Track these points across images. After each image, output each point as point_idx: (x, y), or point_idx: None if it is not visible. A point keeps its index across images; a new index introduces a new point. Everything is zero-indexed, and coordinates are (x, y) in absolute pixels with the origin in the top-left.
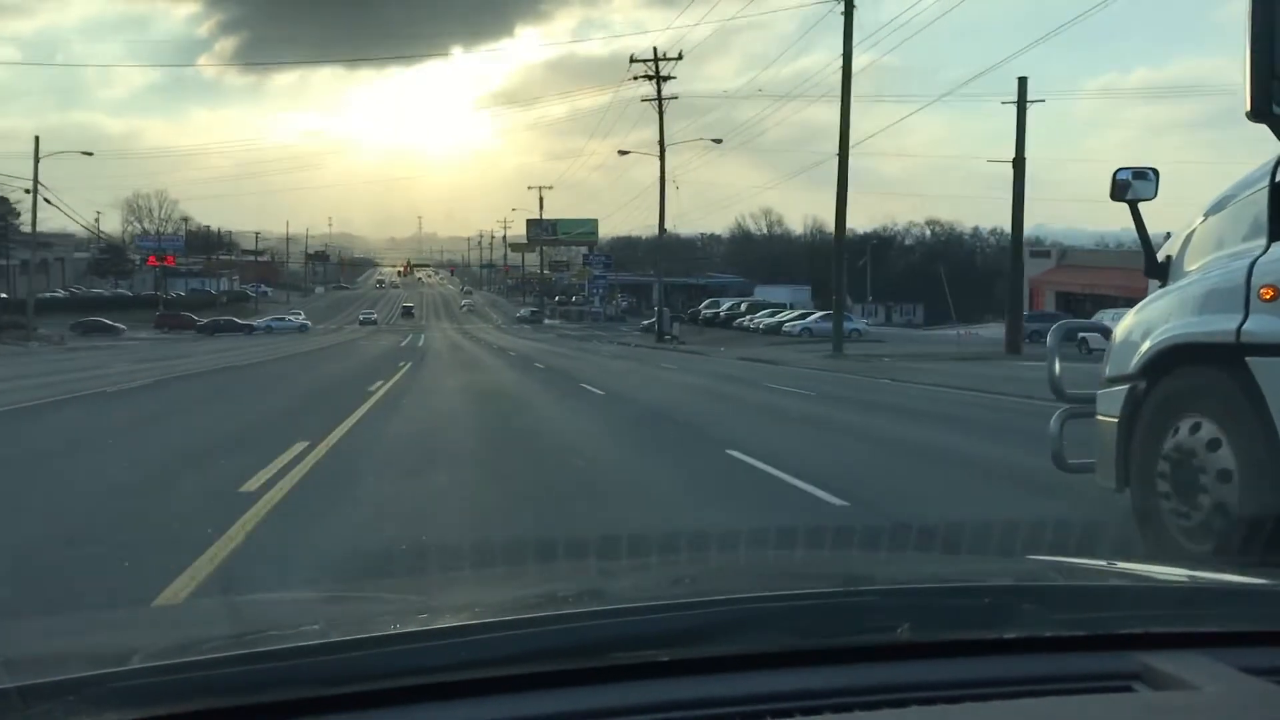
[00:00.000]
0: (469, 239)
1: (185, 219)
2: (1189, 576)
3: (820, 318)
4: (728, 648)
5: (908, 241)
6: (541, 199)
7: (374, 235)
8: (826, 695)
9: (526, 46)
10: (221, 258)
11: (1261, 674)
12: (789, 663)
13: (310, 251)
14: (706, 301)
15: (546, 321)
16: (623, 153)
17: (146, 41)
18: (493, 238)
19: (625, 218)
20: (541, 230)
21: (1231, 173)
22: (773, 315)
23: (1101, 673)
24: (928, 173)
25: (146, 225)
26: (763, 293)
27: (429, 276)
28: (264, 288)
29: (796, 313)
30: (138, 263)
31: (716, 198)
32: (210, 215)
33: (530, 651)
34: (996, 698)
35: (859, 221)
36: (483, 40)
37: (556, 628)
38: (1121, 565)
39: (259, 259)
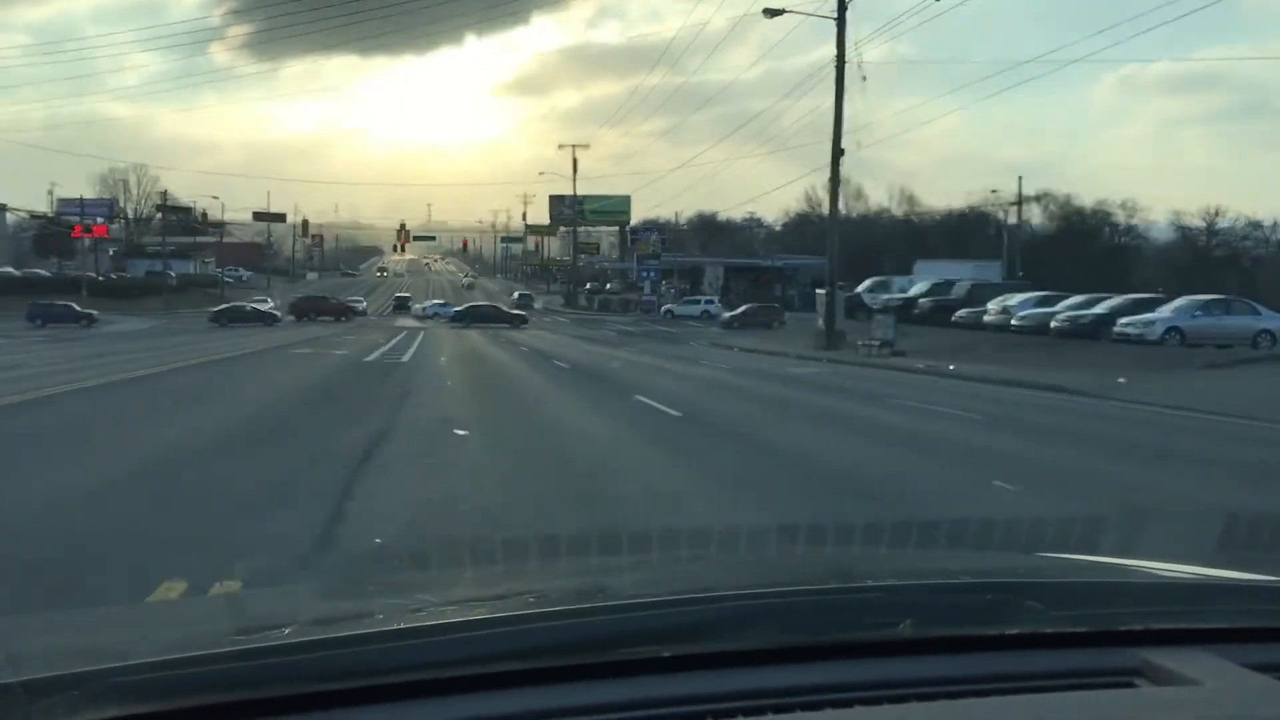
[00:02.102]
0: (481, 221)
1: (163, 193)
2: (1191, 573)
3: (1200, 310)
4: (730, 643)
5: (1011, 219)
6: (575, 160)
7: (383, 223)
8: (828, 690)
9: (541, 35)
10: (170, 236)
11: (1263, 669)
12: (791, 658)
13: (259, 211)
14: (868, 284)
15: (539, 305)
16: (771, 13)
17: (158, 28)
18: (509, 217)
19: (642, 204)
20: (566, 207)
21: None
22: (1047, 306)
23: (1103, 668)
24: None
25: (123, 203)
26: (927, 270)
27: (436, 262)
28: (242, 271)
29: (1115, 300)
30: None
31: (738, 186)
32: (215, 205)
33: (532, 647)
34: (998, 693)
35: (940, 198)
36: (497, 28)
37: (558, 623)
38: (1123, 561)
39: (220, 236)
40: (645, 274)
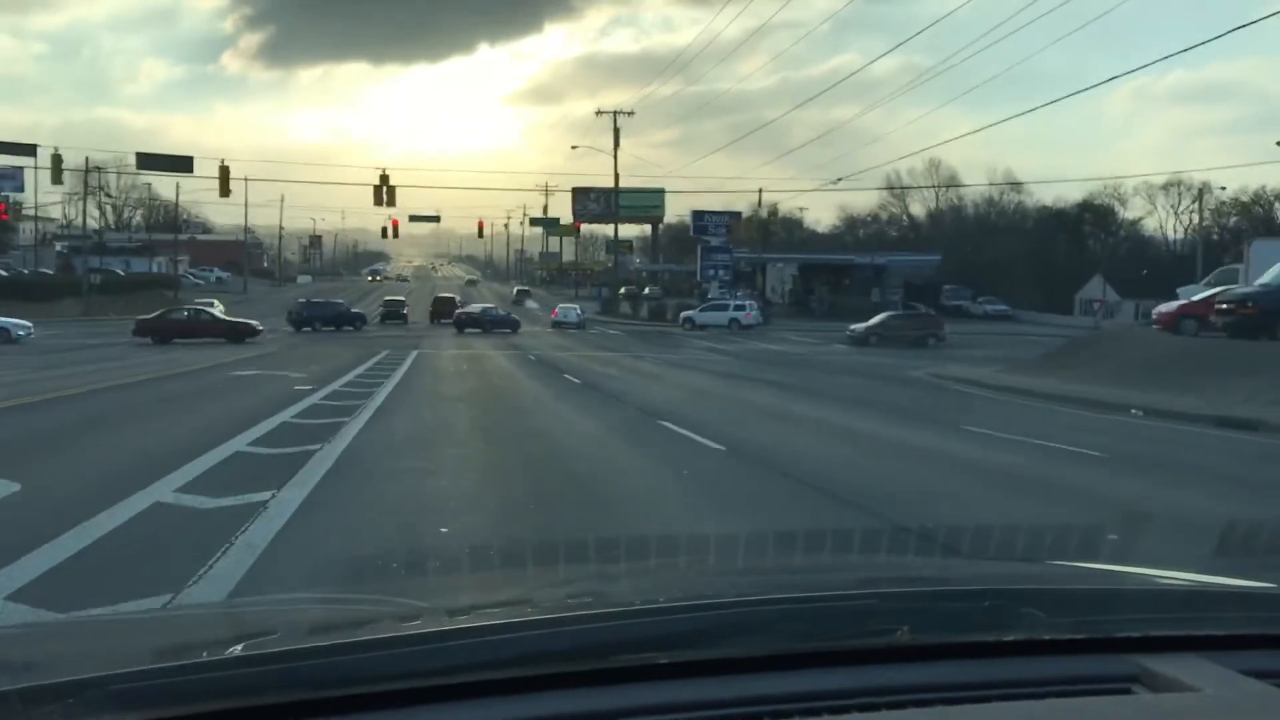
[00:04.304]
0: (492, 223)
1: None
2: (1188, 580)
3: None
4: (727, 650)
5: (1130, 213)
6: (617, 131)
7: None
8: (825, 698)
9: (554, 43)
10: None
11: (1261, 677)
12: (788, 665)
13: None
14: (1214, 278)
15: (576, 314)
16: None
17: (171, 37)
18: (525, 213)
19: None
20: (591, 201)
21: None
22: None
23: (1100, 675)
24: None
25: (102, 198)
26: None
27: (443, 266)
28: (216, 272)
29: None
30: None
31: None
32: (225, 211)
33: (530, 654)
34: (995, 700)
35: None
36: (510, 36)
37: (556, 630)
38: (1120, 568)
39: (177, 234)
40: (712, 271)
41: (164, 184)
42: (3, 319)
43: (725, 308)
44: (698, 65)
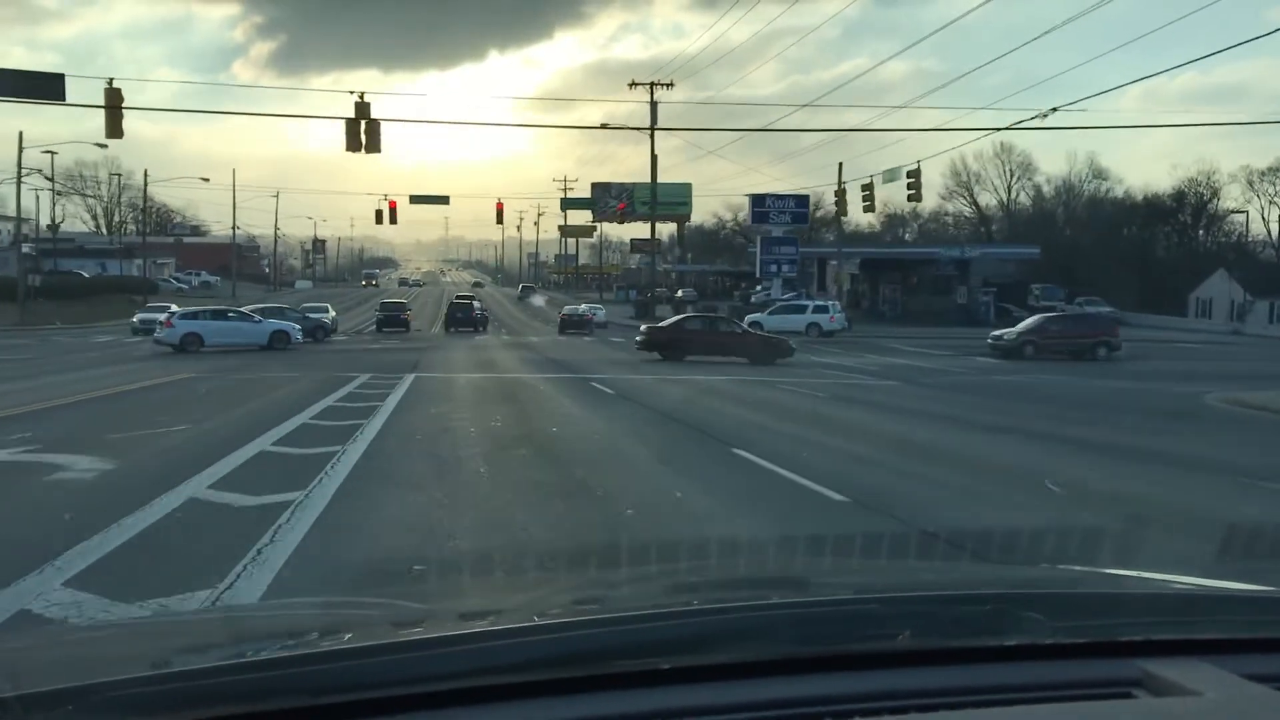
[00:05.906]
0: (503, 227)
1: (131, 184)
2: (1191, 583)
3: None
4: (728, 655)
5: (1224, 202)
6: (654, 105)
7: (399, 238)
8: (827, 702)
9: (563, 49)
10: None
11: (1263, 680)
12: (789, 670)
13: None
14: None
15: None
16: None
17: (183, 46)
18: (540, 213)
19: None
20: (612, 196)
21: None
22: None
23: (1103, 679)
24: None
25: (93, 201)
26: None
27: (452, 271)
28: (203, 275)
29: None
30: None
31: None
32: (225, 213)
33: (531, 660)
34: (998, 704)
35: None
36: (521, 43)
37: (557, 636)
38: (1123, 572)
39: (142, 232)
40: (774, 267)
41: (161, 187)
42: (277, 321)
43: (803, 310)
44: (708, 71)
